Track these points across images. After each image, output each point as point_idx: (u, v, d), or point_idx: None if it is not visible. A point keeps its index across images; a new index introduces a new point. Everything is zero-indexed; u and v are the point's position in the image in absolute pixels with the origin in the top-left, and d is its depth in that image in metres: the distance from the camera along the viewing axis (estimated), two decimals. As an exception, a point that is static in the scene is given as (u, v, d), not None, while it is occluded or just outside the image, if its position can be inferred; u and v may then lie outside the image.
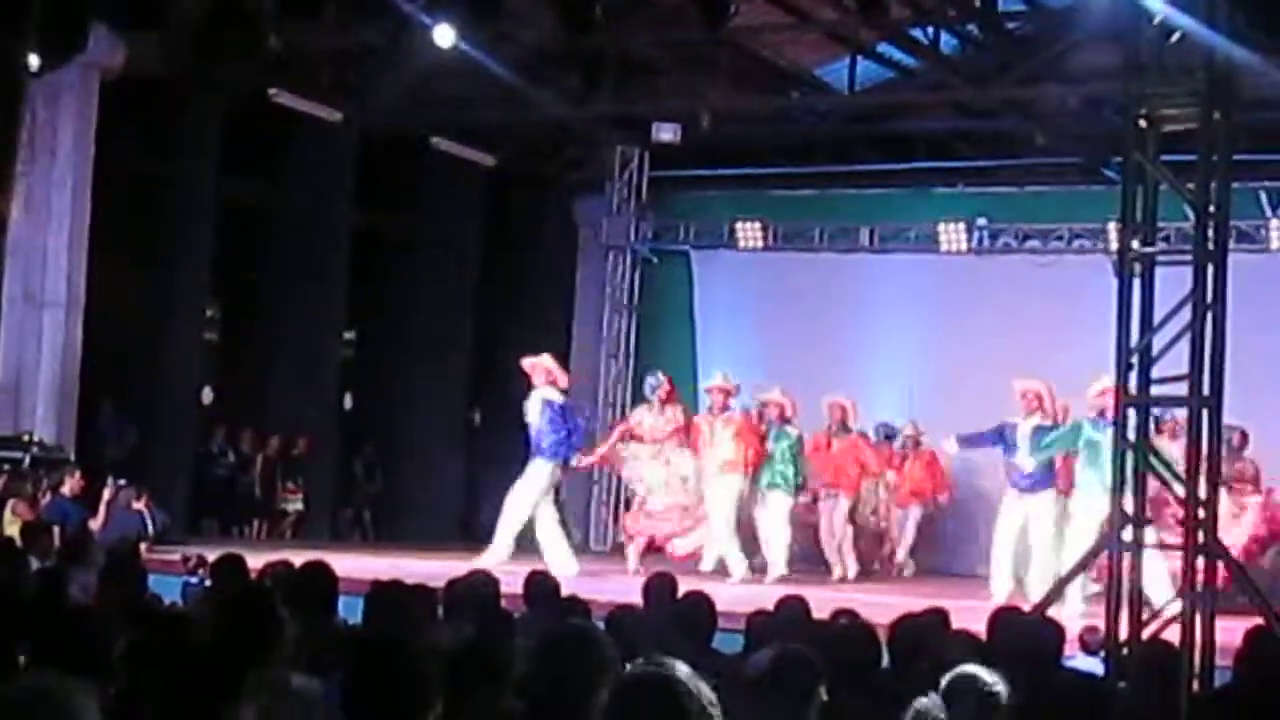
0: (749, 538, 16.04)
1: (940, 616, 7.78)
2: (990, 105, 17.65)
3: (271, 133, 18.95)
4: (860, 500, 17.21)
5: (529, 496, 15.20)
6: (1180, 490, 8.91)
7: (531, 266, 21.69)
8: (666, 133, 19.13)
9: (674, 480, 15.70)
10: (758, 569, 15.67)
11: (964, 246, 19.57)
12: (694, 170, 21.33)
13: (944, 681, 5.38)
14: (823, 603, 8.87)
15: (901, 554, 17.95)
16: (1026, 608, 9.48)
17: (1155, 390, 8.99)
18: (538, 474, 15.24)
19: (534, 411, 15.31)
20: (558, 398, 15.36)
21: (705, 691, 4.07)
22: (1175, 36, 9.22)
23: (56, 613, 6.34)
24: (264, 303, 19.62)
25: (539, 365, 15.48)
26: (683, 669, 4.12)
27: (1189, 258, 8.93)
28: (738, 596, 11.22)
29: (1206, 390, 8.78)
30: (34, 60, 15.01)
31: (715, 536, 15.63)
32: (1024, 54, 16.22)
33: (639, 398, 16.75)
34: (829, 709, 5.35)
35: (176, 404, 18.30)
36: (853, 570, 16.66)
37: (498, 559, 14.52)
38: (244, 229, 19.20)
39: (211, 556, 9.80)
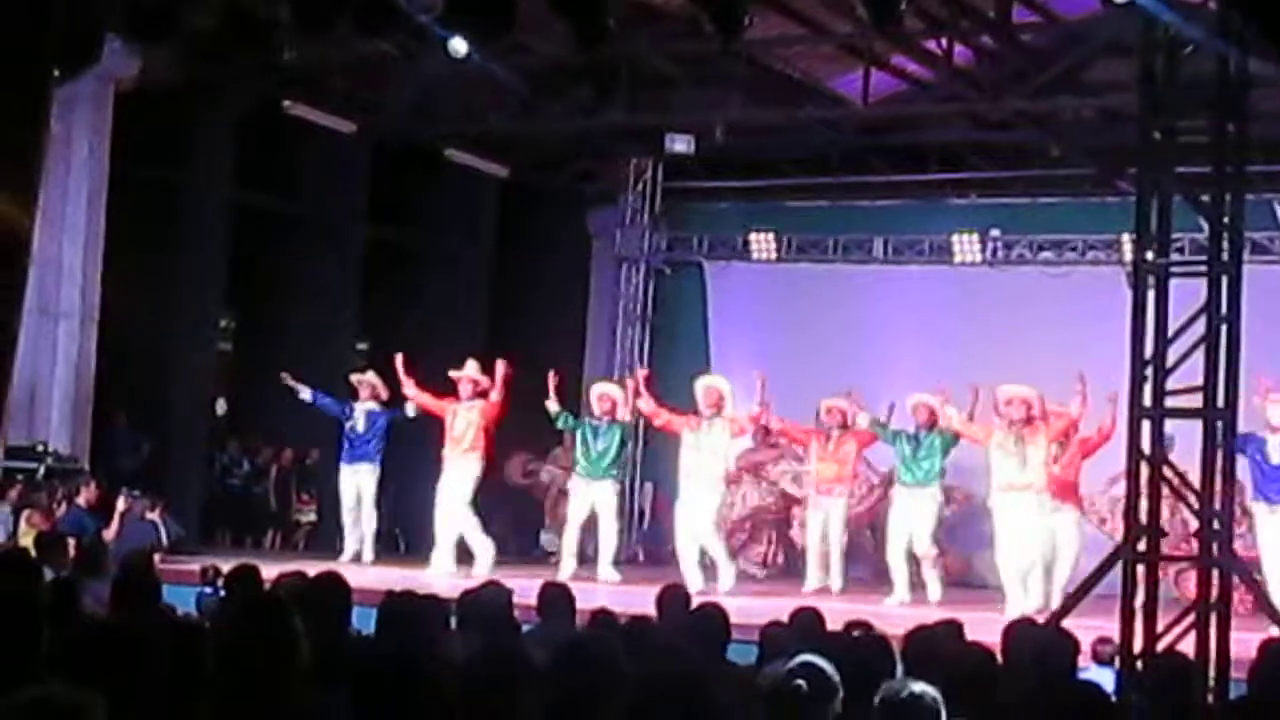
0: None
1: (955, 628, 7.78)
2: (1004, 117, 17.64)
3: (285, 144, 18.99)
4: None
5: (371, 499, 17.26)
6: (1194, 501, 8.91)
7: (545, 278, 21.69)
8: (680, 144, 19.14)
9: None
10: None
11: (978, 258, 19.57)
12: (707, 182, 21.34)
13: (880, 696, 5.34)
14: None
15: (833, 562, 16.61)
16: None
17: (1169, 402, 8.98)
18: (372, 478, 17.24)
19: (361, 421, 17.27)
20: (379, 409, 17.29)
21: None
22: (1189, 49, 9.22)
23: (71, 623, 6.35)
24: (277, 314, 19.65)
25: (365, 381, 17.36)
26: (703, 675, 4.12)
27: (1203, 269, 8.92)
28: (752, 608, 11.20)
29: (1221, 402, 8.77)
30: (48, 72, 15.01)
31: (461, 525, 16.49)
32: (1038, 66, 16.21)
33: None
34: (844, 721, 5.35)
35: (190, 415, 18.33)
36: (696, 580, 15.61)
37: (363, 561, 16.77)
38: (257, 240, 19.24)
39: (226, 567, 9.81)
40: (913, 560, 15.92)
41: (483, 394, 16.53)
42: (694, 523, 16.12)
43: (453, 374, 16.65)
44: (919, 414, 15.93)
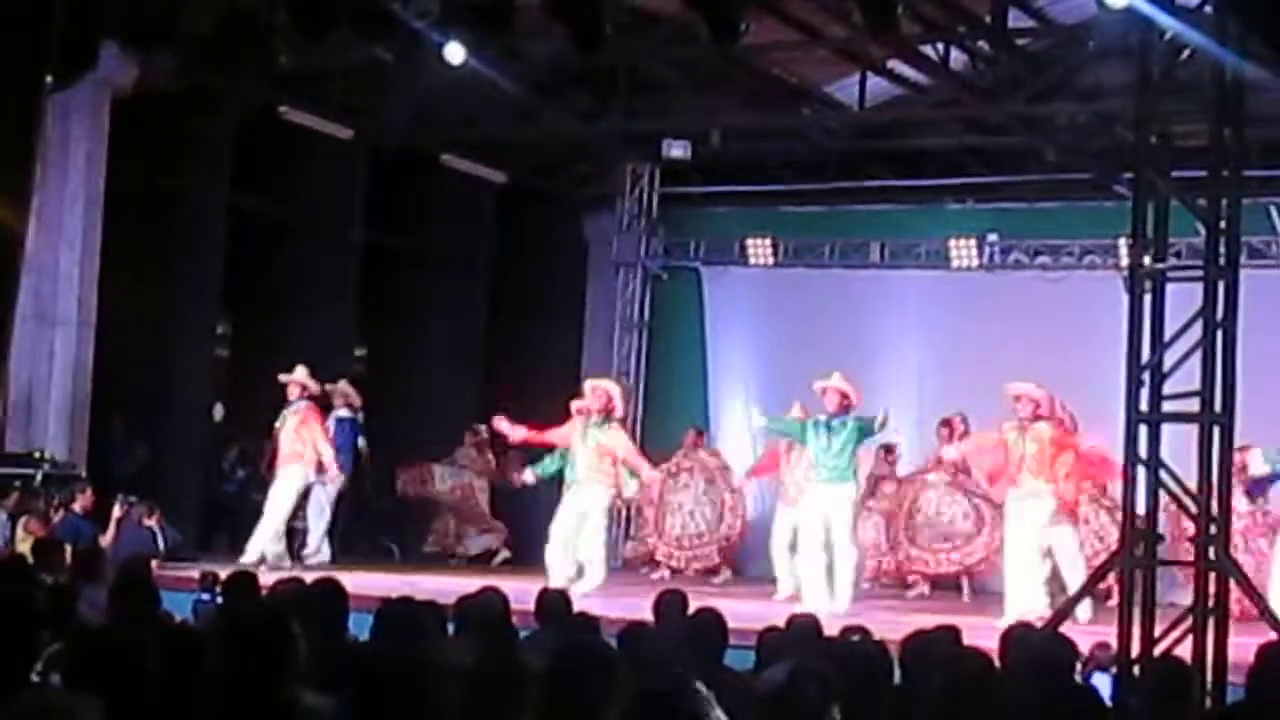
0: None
1: (952, 633, 7.77)
2: (1001, 121, 17.64)
3: (282, 149, 18.96)
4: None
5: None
6: (1191, 506, 8.91)
7: (542, 283, 21.68)
8: (677, 149, 19.13)
9: None
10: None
11: (974, 262, 19.56)
12: (704, 187, 21.33)
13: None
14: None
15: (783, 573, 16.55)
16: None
17: (1166, 407, 8.98)
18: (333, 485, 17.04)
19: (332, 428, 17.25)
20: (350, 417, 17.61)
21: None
22: (1185, 53, 9.24)
23: (68, 630, 6.34)
24: (275, 320, 19.63)
25: (339, 390, 17.54)
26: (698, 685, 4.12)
27: (1200, 274, 8.93)
28: (749, 613, 11.21)
29: (1218, 407, 8.77)
30: (46, 79, 15.03)
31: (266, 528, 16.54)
32: (1035, 70, 16.22)
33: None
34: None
35: (187, 420, 18.30)
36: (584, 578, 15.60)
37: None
38: (255, 246, 19.21)
39: (223, 573, 9.81)
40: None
41: (311, 398, 16.75)
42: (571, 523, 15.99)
43: (283, 378, 16.79)
44: (829, 400, 15.33)
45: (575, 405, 16.29)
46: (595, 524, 15.99)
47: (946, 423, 17.18)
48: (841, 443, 15.21)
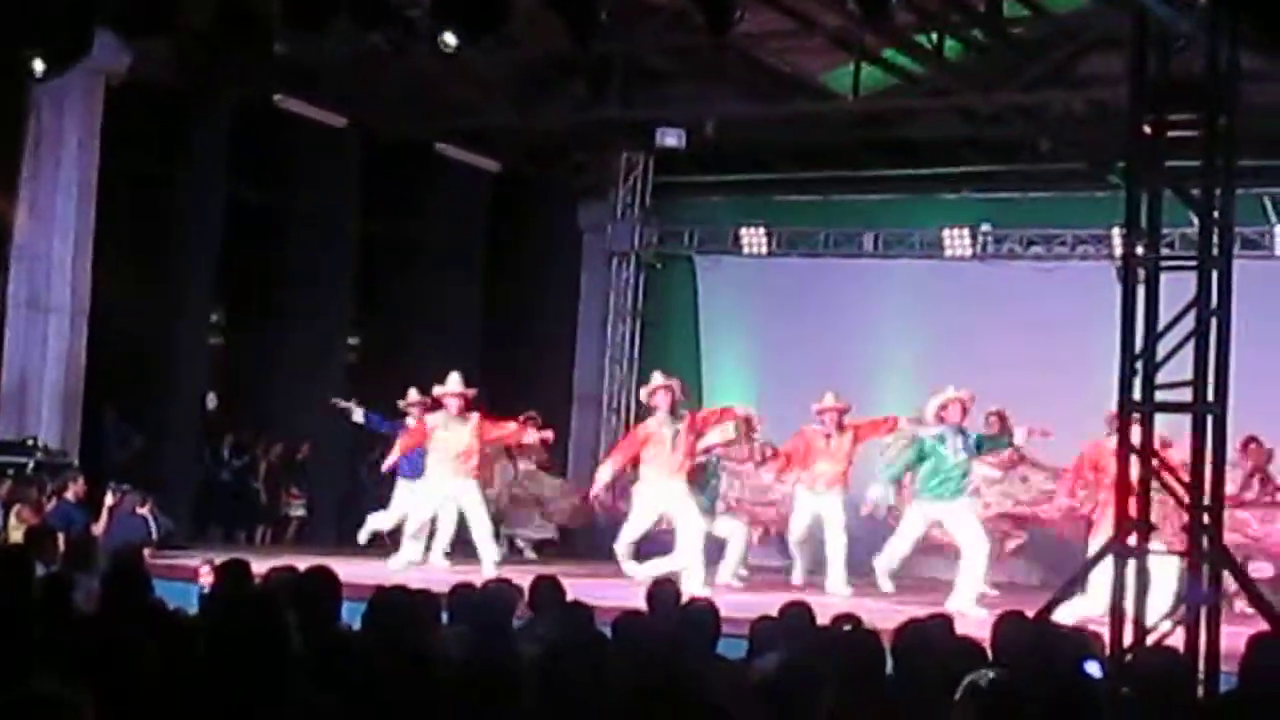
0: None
1: (945, 622, 7.77)
2: (995, 111, 17.65)
3: (277, 138, 18.96)
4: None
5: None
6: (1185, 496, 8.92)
7: (536, 272, 21.69)
8: (671, 138, 19.13)
9: None
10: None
11: (968, 252, 19.58)
12: (698, 176, 21.33)
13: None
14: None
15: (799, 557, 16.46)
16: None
17: (1159, 396, 8.98)
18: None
19: None
20: None
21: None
22: (1179, 42, 9.23)
23: (62, 618, 6.34)
24: (269, 308, 19.63)
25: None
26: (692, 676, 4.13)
27: (1193, 264, 8.93)
28: (742, 603, 11.21)
29: (1210, 397, 8.77)
30: (39, 65, 15.02)
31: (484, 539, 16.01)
32: (1029, 60, 16.22)
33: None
34: (834, 716, 5.35)
35: (181, 409, 18.31)
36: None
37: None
38: (249, 234, 19.19)
39: (217, 561, 9.82)
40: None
41: (471, 408, 16.12)
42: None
43: (437, 390, 16.21)
44: (951, 412, 14.82)
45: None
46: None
47: (997, 414, 17.08)
48: (966, 453, 14.89)
